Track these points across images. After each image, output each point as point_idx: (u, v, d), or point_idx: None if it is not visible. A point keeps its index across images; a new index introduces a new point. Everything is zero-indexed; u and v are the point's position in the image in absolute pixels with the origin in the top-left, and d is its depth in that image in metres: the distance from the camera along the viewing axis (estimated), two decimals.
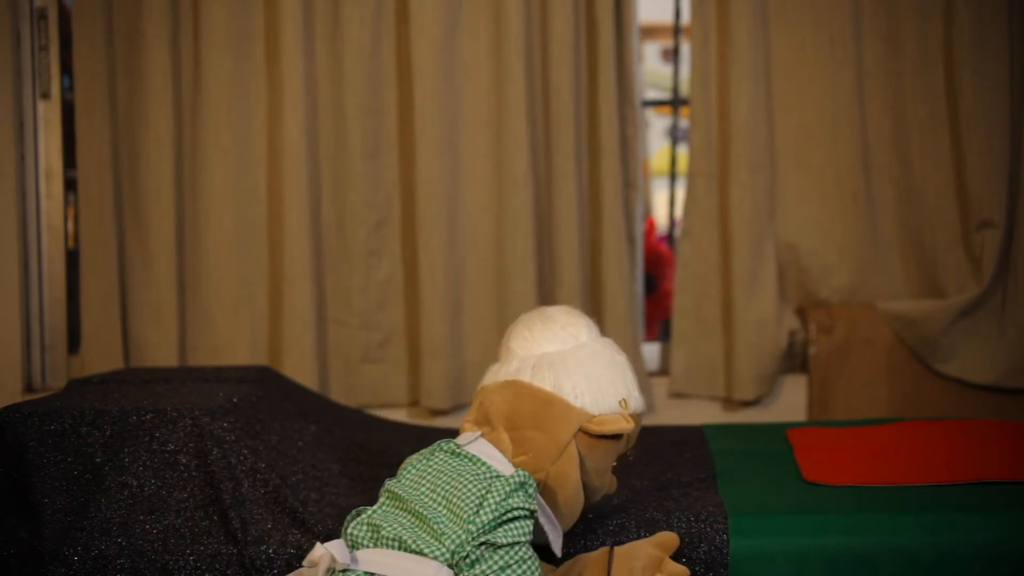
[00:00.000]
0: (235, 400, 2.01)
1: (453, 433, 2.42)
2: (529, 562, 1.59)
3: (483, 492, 1.61)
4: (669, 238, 3.24)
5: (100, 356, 2.84)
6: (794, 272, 2.91)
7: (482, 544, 1.57)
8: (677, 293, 2.92)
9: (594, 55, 2.86)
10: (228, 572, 1.84)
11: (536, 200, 2.85)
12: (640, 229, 2.96)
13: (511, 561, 1.58)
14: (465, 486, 1.62)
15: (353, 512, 1.67)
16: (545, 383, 1.76)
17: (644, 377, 2.85)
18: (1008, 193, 2.79)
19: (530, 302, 2.82)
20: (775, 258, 2.89)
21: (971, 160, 2.78)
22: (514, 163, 2.82)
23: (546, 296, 2.88)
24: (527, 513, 1.61)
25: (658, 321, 3.35)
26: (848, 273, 2.88)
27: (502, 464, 1.70)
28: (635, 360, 2.81)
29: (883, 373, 2.84)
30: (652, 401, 2.89)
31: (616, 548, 1.79)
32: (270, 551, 1.84)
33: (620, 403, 1.78)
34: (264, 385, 2.20)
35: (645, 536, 1.85)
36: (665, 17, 3.23)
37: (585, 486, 1.78)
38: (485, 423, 1.77)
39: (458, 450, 1.71)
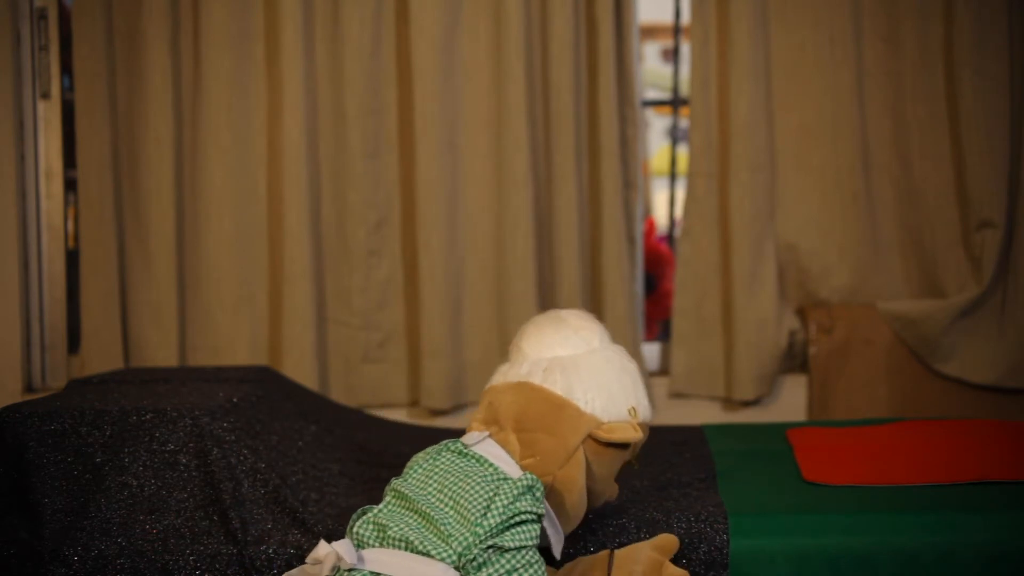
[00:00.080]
0: (235, 400, 2.01)
1: (453, 433, 2.42)
2: (536, 566, 1.59)
3: (491, 494, 1.60)
4: (669, 238, 3.24)
5: (100, 356, 2.84)
6: (794, 272, 2.91)
7: (489, 547, 1.57)
8: (677, 293, 2.92)
9: (594, 55, 2.86)
10: (228, 572, 1.84)
11: (536, 200, 2.85)
12: (640, 229, 2.96)
13: (518, 565, 1.57)
14: (473, 487, 1.62)
15: (359, 511, 1.66)
16: (556, 387, 1.75)
17: (644, 377, 2.84)
18: (1008, 193, 2.79)
19: (530, 302, 2.82)
20: (775, 258, 2.89)
21: (971, 160, 2.78)
22: (514, 163, 2.82)
23: (546, 296, 2.88)
24: (534, 517, 1.61)
25: (658, 321, 3.35)
26: (848, 273, 2.88)
27: (509, 466, 1.69)
28: (635, 360, 2.81)
29: (883, 373, 2.84)
30: (652, 401, 2.88)
31: (616, 551, 1.79)
32: (270, 551, 1.84)
33: (629, 411, 1.78)
34: (264, 385, 2.20)
35: (645, 536, 1.85)
36: (665, 17, 3.23)
37: (589, 491, 1.78)
38: (493, 423, 1.77)
39: (465, 450, 1.70)
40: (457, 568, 1.56)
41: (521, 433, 1.74)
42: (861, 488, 2.02)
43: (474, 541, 1.56)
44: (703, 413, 2.88)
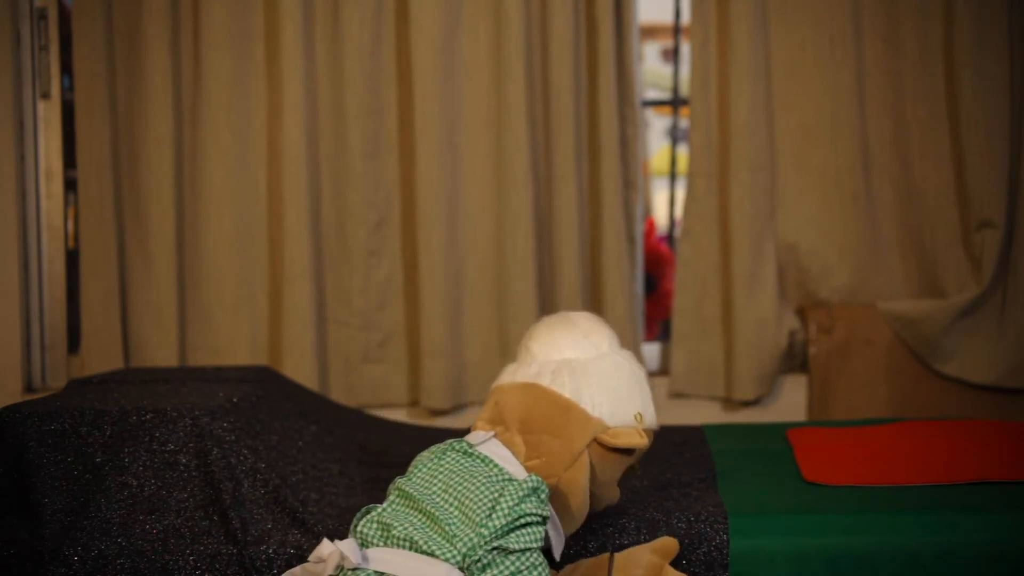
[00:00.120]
0: (235, 400, 2.01)
1: (453, 433, 2.42)
2: (540, 568, 1.59)
3: (496, 495, 1.60)
4: (669, 238, 3.24)
5: (100, 356, 2.84)
6: (794, 272, 2.91)
7: (494, 548, 1.57)
8: (677, 293, 2.92)
9: (594, 55, 2.86)
10: (228, 572, 1.84)
11: (536, 200, 2.85)
12: (640, 229, 2.96)
13: (522, 567, 1.57)
14: (478, 488, 1.61)
15: (363, 510, 1.66)
16: (564, 389, 1.75)
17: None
18: (1008, 193, 2.79)
19: (530, 302, 2.82)
20: (775, 258, 2.89)
21: (971, 160, 2.78)
22: (514, 163, 2.82)
23: (546, 296, 2.88)
24: (539, 519, 1.61)
25: (658, 321, 3.35)
26: (848, 273, 2.88)
27: (514, 467, 1.69)
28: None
29: (883, 373, 2.84)
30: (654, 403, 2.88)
31: (616, 554, 1.79)
32: (270, 551, 1.84)
33: (636, 417, 1.78)
34: (264, 385, 2.20)
35: (645, 536, 1.85)
36: (665, 17, 3.23)
37: (591, 494, 1.78)
38: (499, 423, 1.76)
39: (470, 450, 1.70)
40: (461, 568, 1.55)
41: (527, 434, 1.74)
42: (861, 488, 2.02)
43: (479, 542, 1.56)
44: (703, 413, 2.88)
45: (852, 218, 2.87)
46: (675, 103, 3.12)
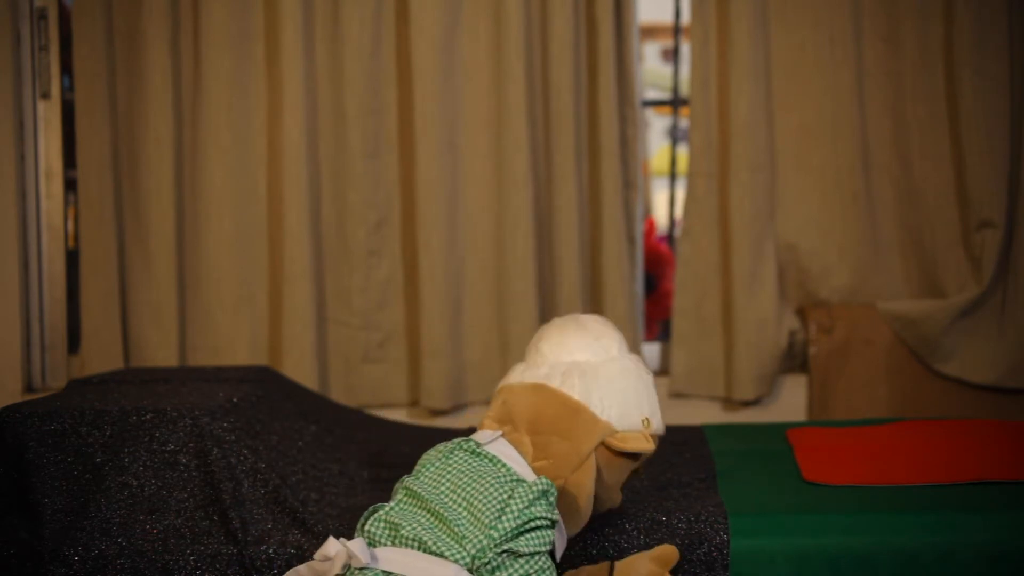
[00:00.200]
0: (235, 400, 2.01)
1: (453, 432, 2.42)
2: (548, 572, 1.58)
3: (505, 497, 1.59)
4: (669, 238, 3.24)
5: (100, 356, 2.84)
6: (794, 272, 2.91)
7: (504, 551, 1.56)
8: (677, 293, 2.92)
9: (594, 55, 2.86)
10: (228, 572, 1.83)
11: (536, 200, 2.85)
12: (640, 229, 2.96)
13: (531, 571, 1.57)
14: (487, 489, 1.61)
15: (370, 508, 1.65)
16: (574, 391, 1.75)
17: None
18: (1008, 193, 2.79)
19: (530, 302, 2.82)
20: (775, 258, 2.89)
21: (971, 160, 2.78)
22: (514, 163, 2.82)
23: (546, 296, 2.88)
24: (549, 523, 1.60)
25: (658, 321, 3.35)
26: (848, 273, 2.88)
27: (522, 467, 1.69)
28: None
29: (883, 373, 2.84)
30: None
31: (616, 563, 1.79)
32: (270, 551, 1.84)
33: (643, 422, 1.78)
34: (264, 385, 2.20)
35: (645, 537, 1.86)
36: (665, 17, 3.23)
37: (595, 497, 1.78)
38: (507, 422, 1.76)
39: (478, 449, 1.70)
40: (470, 570, 1.55)
41: (535, 435, 1.74)
42: (861, 488, 2.02)
43: (488, 544, 1.55)
44: (703, 413, 2.88)
45: (852, 218, 2.87)
46: (675, 103, 3.12)
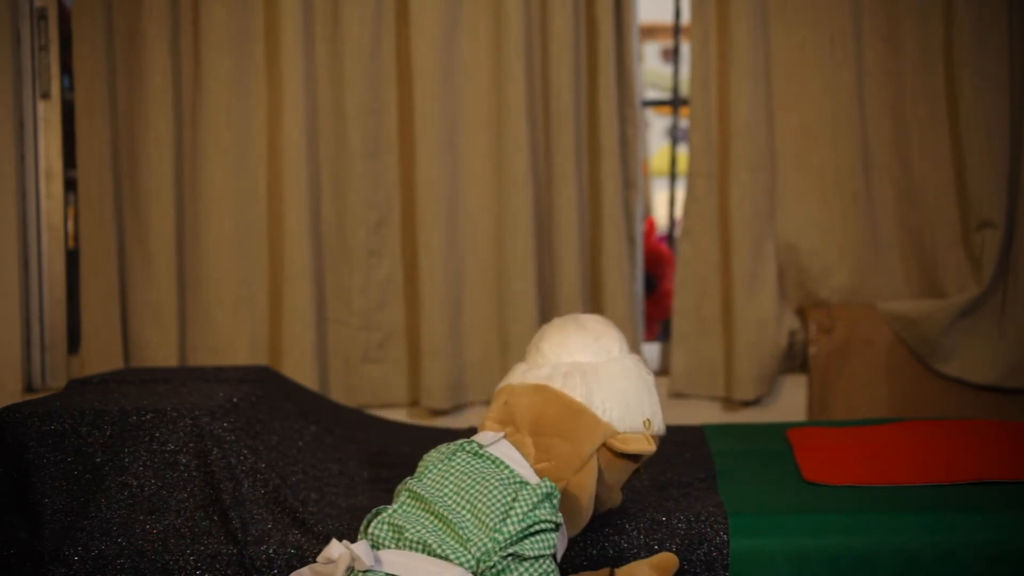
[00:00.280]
0: (235, 400, 2.01)
1: (453, 432, 2.42)
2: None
3: (509, 500, 1.59)
4: (669, 238, 3.24)
5: (100, 356, 2.84)
6: (794, 272, 2.91)
7: (508, 555, 1.56)
8: (677, 293, 2.92)
9: (594, 55, 2.86)
10: (228, 572, 1.84)
11: (536, 200, 2.85)
12: (640, 229, 2.96)
13: (536, 574, 1.57)
14: (491, 492, 1.60)
15: (373, 511, 1.64)
16: (576, 393, 1.75)
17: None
18: (1008, 193, 2.79)
19: (530, 302, 2.82)
20: (775, 258, 2.89)
21: (971, 160, 2.78)
22: (514, 163, 2.82)
23: (546, 296, 2.88)
24: (553, 526, 1.60)
25: (658, 321, 3.35)
26: (848, 273, 2.89)
27: (524, 469, 1.69)
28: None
29: (883, 373, 2.84)
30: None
31: (617, 570, 1.79)
32: (270, 551, 1.84)
33: (644, 423, 1.78)
34: (264, 385, 2.20)
35: (645, 537, 1.86)
36: (665, 17, 3.23)
37: (596, 498, 1.78)
38: (509, 423, 1.76)
39: (481, 451, 1.69)
40: (475, 574, 1.54)
41: (537, 437, 1.73)
42: (861, 488, 2.02)
43: (493, 548, 1.55)
44: (703, 413, 2.88)
45: (852, 218, 2.87)
46: (675, 103, 3.12)
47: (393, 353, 2.93)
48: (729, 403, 2.91)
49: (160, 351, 2.86)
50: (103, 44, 2.80)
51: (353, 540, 1.74)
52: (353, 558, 1.54)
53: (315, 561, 1.61)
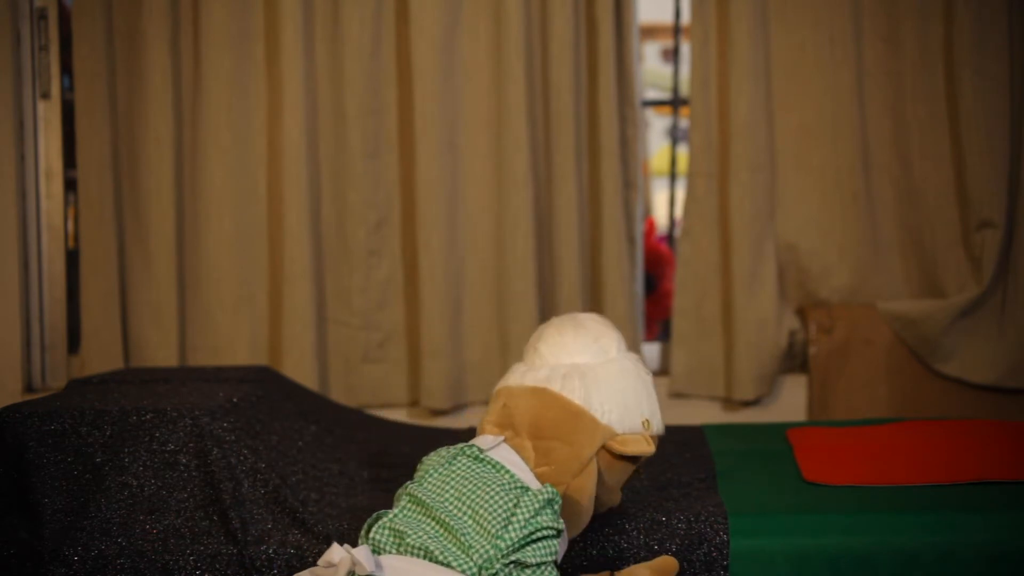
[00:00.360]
0: (235, 400, 2.01)
1: (453, 433, 2.42)
2: None
3: (511, 505, 1.59)
4: (669, 238, 3.24)
5: (100, 356, 2.84)
6: (794, 272, 2.91)
7: (511, 562, 1.55)
8: (677, 293, 2.92)
9: (594, 55, 2.86)
10: (228, 572, 1.83)
11: (536, 200, 2.85)
12: (640, 229, 2.96)
13: None
14: (492, 497, 1.60)
15: (374, 515, 1.64)
16: (575, 395, 1.74)
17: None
18: (1008, 193, 2.79)
19: (530, 302, 2.82)
20: (775, 258, 2.89)
21: (971, 160, 2.78)
22: (514, 163, 2.82)
23: (546, 296, 2.88)
24: (555, 533, 1.60)
25: (658, 321, 3.35)
26: (848, 273, 2.89)
27: (525, 473, 1.68)
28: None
29: (883, 373, 2.84)
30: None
31: (616, 573, 1.79)
32: (270, 551, 1.84)
33: (643, 423, 1.77)
34: (264, 385, 2.20)
35: (644, 538, 1.86)
36: (665, 17, 3.23)
37: (596, 499, 1.78)
38: (508, 427, 1.75)
39: (481, 455, 1.68)
40: None
41: (537, 440, 1.73)
42: (861, 488, 2.02)
43: (495, 554, 1.54)
44: (703, 413, 2.88)
45: (852, 218, 2.87)
46: (675, 103, 3.12)
47: (393, 353, 2.93)
48: (729, 403, 2.91)
49: (160, 351, 2.86)
50: (103, 44, 2.80)
51: (353, 541, 1.74)
52: (354, 563, 1.52)
53: (315, 564, 1.60)
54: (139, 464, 1.90)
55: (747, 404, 2.89)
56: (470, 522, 1.58)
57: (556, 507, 1.61)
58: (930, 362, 2.82)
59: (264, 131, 2.86)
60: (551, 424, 1.73)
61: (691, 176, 2.90)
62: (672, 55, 3.13)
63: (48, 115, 2.95)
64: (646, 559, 1.85)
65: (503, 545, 1.55)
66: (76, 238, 2.92)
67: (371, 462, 2.25)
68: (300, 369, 2.80)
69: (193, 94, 2.86)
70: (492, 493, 1.61)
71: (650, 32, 4.80)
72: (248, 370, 2.33)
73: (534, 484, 1.66)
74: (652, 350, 3.07)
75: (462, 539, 1.56)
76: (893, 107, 2.87)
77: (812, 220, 2.88)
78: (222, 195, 2.86)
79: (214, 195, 2.86)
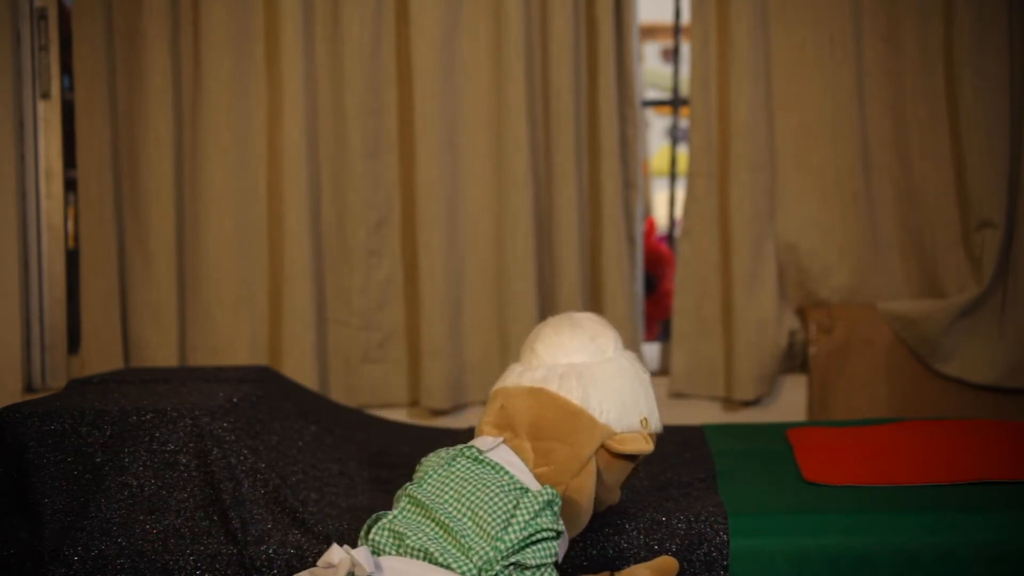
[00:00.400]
0: (235, 400, 2.01)
1: (453, 433, 2.42)
2: None
3: (511, 507, 1.58)
4: (669, 238, 3.24)
5: (100, 356, 2.84)
6: (794, 272, 2.91)
7: (510, 564, 1.55)
8: (677, 293, 2.92)
9: (594, 55, 2.86)
10: (228, 572, 1.83)
11: (536, 200, 2.85)
12: (640, 229, 2.96)
13: None
14: (491, 498, 1.60)
15: (373, 517, 1.64)
16: (572, 394, 1.74)
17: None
18: (1008, 193, 2.79)
19: (530, 302, 2.82)
20: (775, 258, 2.89)
21: (971, 160, 2.78)
22: (514, 163, 2.82)
23: (546, 296, 2.88)
24: (554, 534, 1.60)
25: (658, 321, 3.35)
26: (848, 273, 2.89)
27: (524, 474, 1.68)
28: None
29: (883, 373, 2.84)
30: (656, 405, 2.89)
31: (616, 573, 1.79)
32: (270, 551, 1.84)
33: (641, 422, 1.77)
34: (264, 385, 2.20)
35: (644, 538, 1.86)
36: (665, 17, 3.23)
37: (595, 498, 1.78)
38: (507, 428, 1.75)
39: (480, 456, 1.68)
40: None
41: (536, 441, 1.72)
42: (861, 488, 2.02)
43: (495, 556, 1.54)
44: (703, 413, 2.88)
45: (852, 218, 2.87)
46: (675, 103, 3.12)
47: (393, 353, 2.93)
48: (729, 403, 2.91)
49: (160, 351, 2.86)
50: (103, 44, 2.80)
51: (353, 541, 1.74)
52: (354, 564, 1.52)
53: (315, 564, 1.60)
54: (139, 464, 1.90)
55: (747, 404, 2.89)
56: (470, 524, 1.58)
57: (556, 508, 1.61)
58: (930, 362, 2.82)
59: (264, 131, 2.86)
60: (549, 424, 1.73)
61: (691, 176, 2.90)
62: (672, 55, 3.13)
63: (48, 115, 2.95)
64: (646, 559, 1.85)
65: (503, 547, 1.55)
66: (76, 238, 2.92)
67: (371, 462, 2.25)
68: (300, 369, 2.80)
69: (193, 94, 2.86)
70: (492, 495, 1.61)
71: (650, 32, 4.80)
72: (248, 370, 2.33)
73: (534, 485, 1.66)
74: (652, 350, 3.07)
75: (462, 541, 1.56)
76: (893, 107, 2.87)
77: (812, 220, 2.88)
78: (222, 195, 2.86)
79: (214, 195, 2.86)
